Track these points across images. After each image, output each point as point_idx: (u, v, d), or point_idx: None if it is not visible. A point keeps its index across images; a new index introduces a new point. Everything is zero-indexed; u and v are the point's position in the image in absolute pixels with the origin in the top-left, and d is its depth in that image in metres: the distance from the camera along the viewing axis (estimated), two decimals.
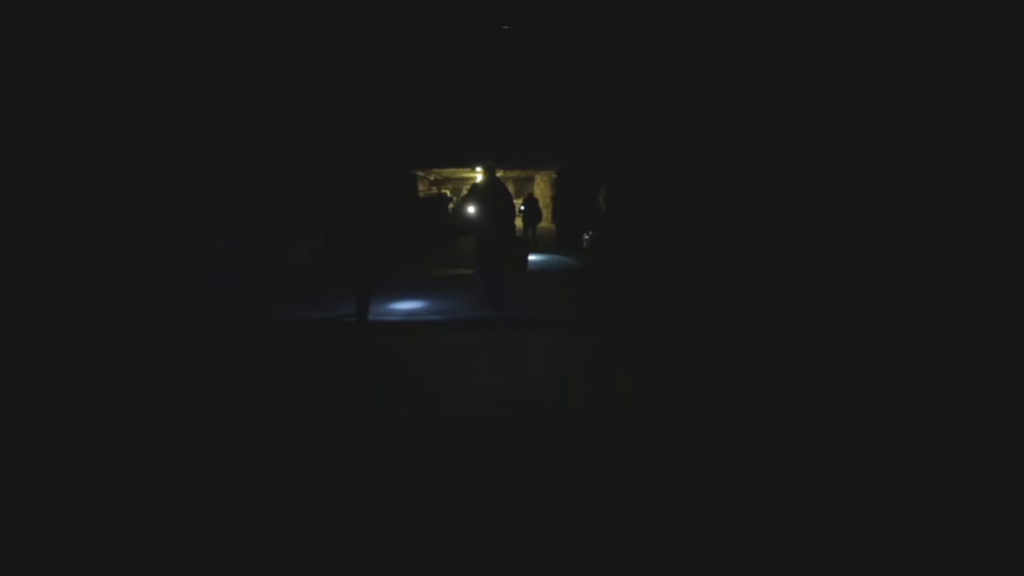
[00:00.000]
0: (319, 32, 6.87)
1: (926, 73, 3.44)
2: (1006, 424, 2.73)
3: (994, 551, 2.04)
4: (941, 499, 2.36)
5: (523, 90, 8.97)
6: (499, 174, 24.59)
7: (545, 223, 15.42)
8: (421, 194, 17.14)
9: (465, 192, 16.44)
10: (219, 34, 5.88)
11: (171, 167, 5.74)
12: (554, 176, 16.79)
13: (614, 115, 8.54)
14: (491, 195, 6.26)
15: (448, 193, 21.57)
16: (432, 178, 19.05)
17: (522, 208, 13.96)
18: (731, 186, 5.60)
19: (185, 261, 6.02)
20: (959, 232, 3.21)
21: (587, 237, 6.81)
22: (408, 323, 6.09)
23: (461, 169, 15.55)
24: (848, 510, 2.29)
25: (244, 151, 6.81)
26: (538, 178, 22.47)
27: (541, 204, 16.12)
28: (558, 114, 9.42)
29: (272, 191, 7.60)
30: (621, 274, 5.17)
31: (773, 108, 4.96)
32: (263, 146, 7.18)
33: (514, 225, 6.46)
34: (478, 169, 18.86)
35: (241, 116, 6.66)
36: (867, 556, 2.01)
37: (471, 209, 6.44)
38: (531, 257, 10.41)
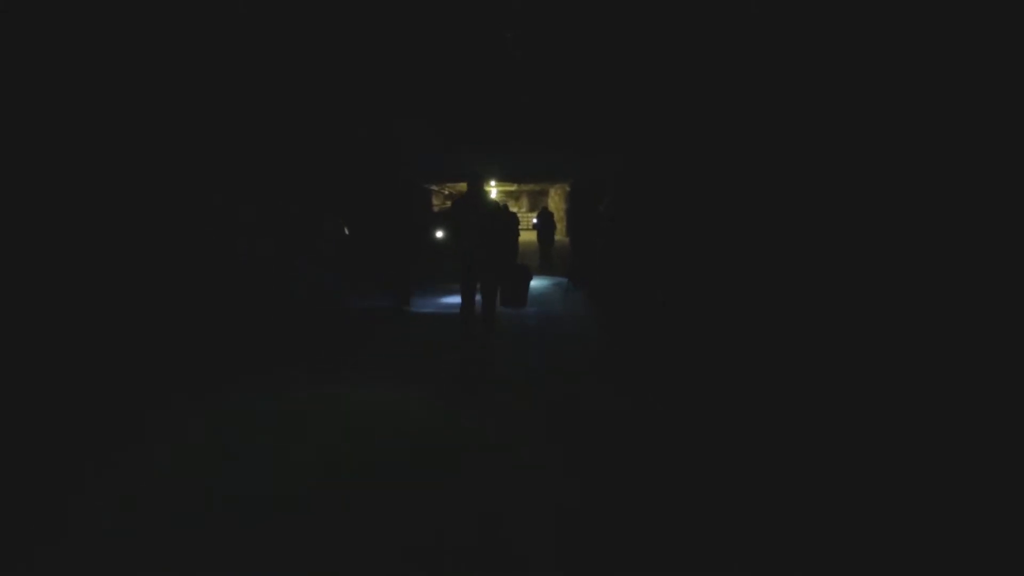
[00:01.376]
0: (317, 39, 6.88)
1: (927, 74, 3.35)
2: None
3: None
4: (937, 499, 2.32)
5: (527, 100, 8.94)
6: (512, 188, 24.24)
7: (560, 236, 15.24)
8: (436, 208, 17.29)
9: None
10: (226, 35, 5.88)
11: (208, 175, 5.86)
12: (567, 189, 16.76)
13: (617, 122, 8.45)
14: (476, 209, 5.37)
15: None
16: (447, 192, 19.18)
17: (535, 222, 13.81)
18: (731, 189, 5.49)
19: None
20: (961, 237, 3.09)
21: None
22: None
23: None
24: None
25: (255, 157, 6.78)
26: (552, 191, 22.43)
27: (556, 218, 16.02)
28: (561, 124, 9.33)
29: (283, 198, 7.56)
30: (624, 277, 5.08)
31: (773, 114, 4.86)
32: (271, 153, 7.16)
33: (506, 245, 5.49)
34: (492, 183, 18.97)
35: (252, 121, 6.64)
36: None
37: (442, 231, 5.58)
38: (535, 283, 7.92)
